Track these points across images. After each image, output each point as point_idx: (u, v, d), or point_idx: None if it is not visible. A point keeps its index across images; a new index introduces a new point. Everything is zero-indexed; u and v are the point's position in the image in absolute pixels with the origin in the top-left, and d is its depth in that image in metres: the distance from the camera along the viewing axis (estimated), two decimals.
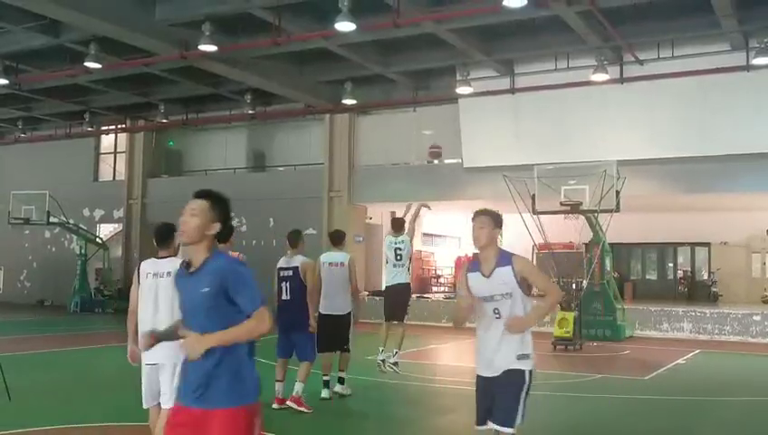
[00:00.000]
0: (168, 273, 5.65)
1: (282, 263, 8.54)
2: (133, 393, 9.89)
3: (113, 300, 26.28)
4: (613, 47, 18.09)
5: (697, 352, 15.73)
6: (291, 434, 7.80)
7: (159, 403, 5.77)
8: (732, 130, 18.07)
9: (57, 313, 24.91)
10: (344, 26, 14.69)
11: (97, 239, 27.08)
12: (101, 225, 29.16)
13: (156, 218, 27.71)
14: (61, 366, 12.66)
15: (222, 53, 17.06)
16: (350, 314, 9.07)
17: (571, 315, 15.83)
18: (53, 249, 29.34)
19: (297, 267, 8.34)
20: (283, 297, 8.37)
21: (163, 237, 5.93)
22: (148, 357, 5.66)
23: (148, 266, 5.93)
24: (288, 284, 8.33)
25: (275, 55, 18.88)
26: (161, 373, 5.70)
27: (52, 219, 24.97)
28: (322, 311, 8.78)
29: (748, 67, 17.51)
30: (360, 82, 21.42)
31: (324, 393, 8.99)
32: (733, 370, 13.82)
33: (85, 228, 26.85)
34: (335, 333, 8.84)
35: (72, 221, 26.03)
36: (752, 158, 18.00)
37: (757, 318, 17.91)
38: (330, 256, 9.09)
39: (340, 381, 9.33)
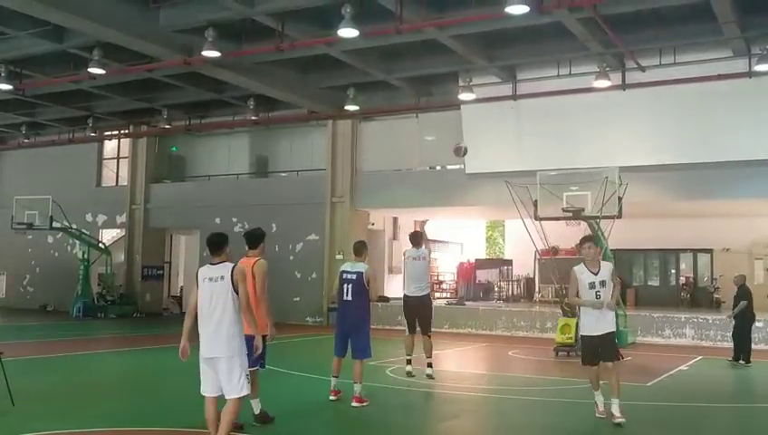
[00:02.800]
0: (222, 277, 6.44)
1: (346, 267, 9.54)
2: (136, 398, 9.93)
3: (116, 305, 26.33)
4: (615, 54, 18.10)
5: (700, 358, 15.71)
6: None
7: (212, 396, 6.50)
8: (734, 137, 18.08)
9: (60, 318, 24.93)
10: (347, 33, 14.72)
11: (99, 244, 27.11)
12: (104, 230, 29.20)
13: (158, 224, 27.85)
14: (63, 371, 12.67)
15: (225, 58, 17.12)
16: (428, 295, 11.38)
17: (573, 322, 15.82)
18: (56, 254, 29.38)
19: (361, 273, 9.29)
20: (345, 298, 9.36)
21: (215, 246, 6.66)
22: (206, 351, 6.39)
23: (204, 272, 6.59)
24: (351, 286, 9.30)
25: (278, 61, 18.92)
26: (218, 366, 6.37)
27: (54, 224, 25.00)
28: (408, 293, 11.23)
29: (750, 74, 17.50)
30: (362, 87, 21.46)
31: (408, 367, 11.23)
32: (735, 376, 13.80)
33: (88, 233, 26.89)
34: (418, 314, 10.94)
35: (74, 226, 26.08)
36: (754, 164, 18.00)
37: (760, 325, 17.82)
38: (412, 252, 11.40)
39: (429, 365, 11.31)
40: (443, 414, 9.59)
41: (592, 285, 8.43)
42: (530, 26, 16.18)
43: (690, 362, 14.97)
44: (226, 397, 6.42)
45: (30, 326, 22.14)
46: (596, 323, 8.50)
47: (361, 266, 9.38)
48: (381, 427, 8.76)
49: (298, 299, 23.47)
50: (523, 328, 20.86)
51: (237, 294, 6.47)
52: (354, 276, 9.28)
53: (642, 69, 18.44)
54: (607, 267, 8.67)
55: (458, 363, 15.98)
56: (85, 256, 25.92)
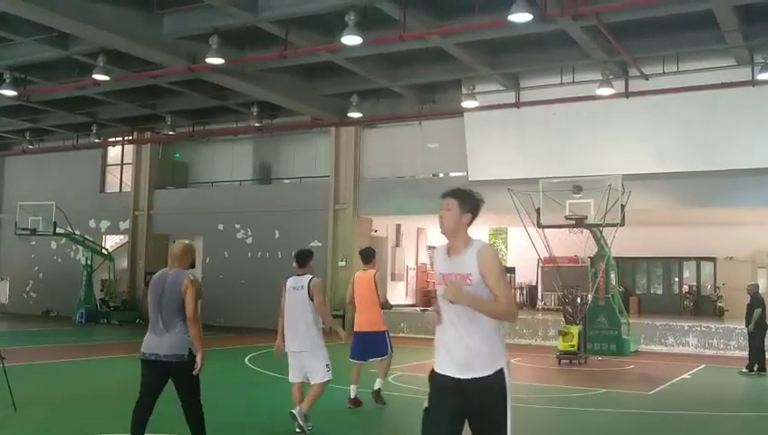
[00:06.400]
0: (302, 287, 7.87)
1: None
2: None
3: (118, 311, 26.34)
4: (618, 62, 18.12)
5: (703, 367, 15.68)
6: None
7: (301, 381, 7.90)
8: (737, 145, 18.07)
9: (62, 323, 24.95)
10: (350, 40, 14.77)
11: (103, 250, 27.16)
12: (107, 236, 29.26)
13: (162, 230, 27.82)
14: (66, 377, 12.68)
15: (229, 65, 17.16)
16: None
17: (575, 329, 15.83)
18: (59, 260, 29.43)
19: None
20: None
21: (301, 260, 8.07)
22: (293, 346, 7.80)
23: (291, 281, 8.02)
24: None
25: (282, 68, 18.98)
26: (305, 358, 7.79)
27: (58, 230, 25.07)
28: None
29: (753, 82, 17.52)
30: (366, 95, 21.50)
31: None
32: (738, 385, 13.77)
33: (91, 239, 26.95)
34: None
35: (78, 232, 26.13)
36: (757, 172, 17.99)
37: None
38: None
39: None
40: None
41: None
42: (533, 34, 16.21)
43: (693, 371, 14.94)
44: (312, 382, 7.80)
45: (32, 332, 22.16)
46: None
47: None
48: (381, 433, 8.75)
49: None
50: (526, 336, 20.83)
51: (313, 301, 7.83)
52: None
53: (645, 77, 18.46)
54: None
55: None
56: (88, 261, 25.96)
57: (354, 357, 9.39)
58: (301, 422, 7.67)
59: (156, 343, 6.29)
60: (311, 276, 7.98)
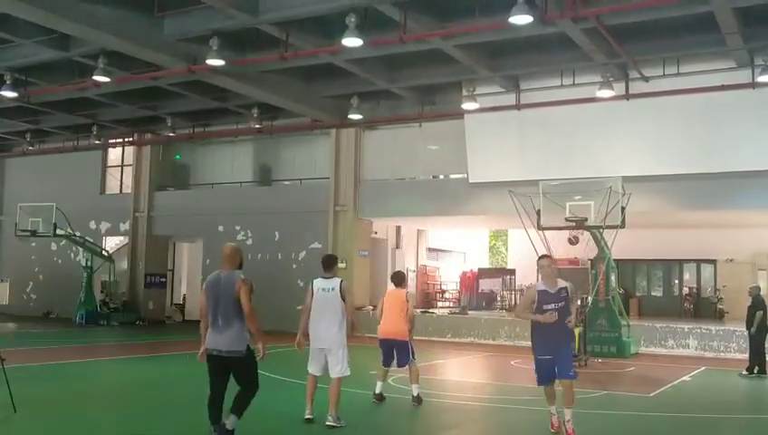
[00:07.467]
0: (333, 288, 8.41)
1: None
2: (138, 407, 9.91)
3: (119, 313, 26.33)
4: (619, 64, 18.13)
5: (703, 369, 15.68)
6: None
7: (316, 375, 8.53)
8: (737, 147, 18.08)
9: (62, 325, 24.94)
10: (351, 42, 14.78)
11: (103, 252, 27.16)
12: (107, 237, 29.26)
13: (162, 231, 27.89)
14: (66, 378, 12.66)
15: (229, 67, 17.16)
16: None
17: (576, 331, 15.80)
18: (60, 261, 29.43)
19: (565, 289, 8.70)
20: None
21: (327, 264, 8.65)
22: (321, 343, 8.38)
23: (318, 283, 8.55)
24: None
25: (282, 70, 18.98)
26: (330, 355, 8.36)
27: (58, 232, 25.07)
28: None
29: (753, 84, 17.52)
30: (366, 96, 21.51)
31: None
32: (738, 387, 13.76)
33: (91, 241, 26.94)
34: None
35: (78, 234, 26.12)
36: (757, 175, 18.00)
37: None
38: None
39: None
40: (445, 423, 9.58)
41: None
42: (534, 36, 16.21)
43: (693, 373, 14.93)
44: (332, 376, 8.34)
45: (32, 333, 22.14)
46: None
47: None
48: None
49: (301, 307, 23.44)
50: (526, 338, 20.64)
51: (345, 302, 8.39)
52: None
53: (645, 79, 18.47)
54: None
55: (461, 373, 15.95)
56: (88, 263, 25.96)
57: (385, 364, 10.26)
58: (335, 423, 8.26)
59: (218, 339, 6.93)
60: (340, 279, 8.54)
